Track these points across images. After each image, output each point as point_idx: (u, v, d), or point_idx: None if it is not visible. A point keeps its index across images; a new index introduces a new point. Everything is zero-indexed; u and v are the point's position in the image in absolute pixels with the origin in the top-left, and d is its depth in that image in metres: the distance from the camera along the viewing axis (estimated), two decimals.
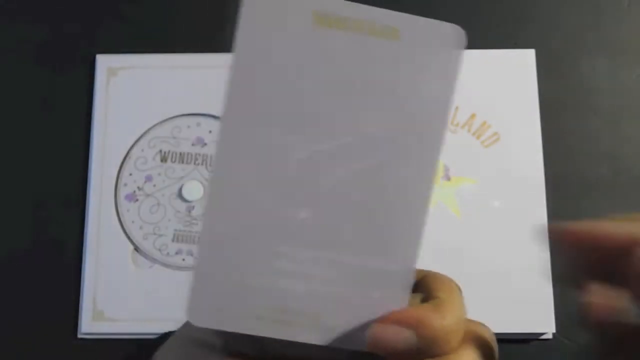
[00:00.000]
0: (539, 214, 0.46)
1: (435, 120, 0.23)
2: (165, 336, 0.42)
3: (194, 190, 0.47)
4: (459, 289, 0.25)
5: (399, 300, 0.23)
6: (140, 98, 0.48)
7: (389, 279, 0.23)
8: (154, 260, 0.46)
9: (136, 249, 0.46)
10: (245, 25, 0.22)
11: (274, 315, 0.23)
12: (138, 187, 0.47)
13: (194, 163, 0.48)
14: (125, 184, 0.47)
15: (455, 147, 0.47)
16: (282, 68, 0.22)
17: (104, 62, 0.49)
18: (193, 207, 0.47)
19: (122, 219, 0.47)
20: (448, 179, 0.47)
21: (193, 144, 0.48)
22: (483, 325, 0.25)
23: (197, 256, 0.23)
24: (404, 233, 0.23)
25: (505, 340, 0.44)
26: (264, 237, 0.23)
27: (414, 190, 0.23)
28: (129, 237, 0.46)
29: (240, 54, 0.22)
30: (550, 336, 0.44)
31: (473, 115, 0.48)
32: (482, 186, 0.46)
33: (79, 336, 0.45)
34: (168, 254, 0.46)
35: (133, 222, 0.47)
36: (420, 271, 0.25)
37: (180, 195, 0.47)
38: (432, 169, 0.23)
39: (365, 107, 0.22)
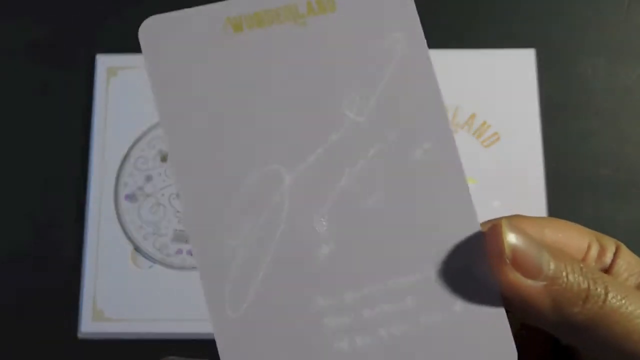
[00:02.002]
0: (539, 213, 0.46)
1: (419, 70, 0.19)
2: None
3: None
4: None
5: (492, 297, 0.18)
6: (140, 98, 0.48)
7: (464, 277, 0.18)
8: (154, 260, 0.46)
9: (136, 249, 0.46)
10: (157, 72, 0.18)
11: None
12: (138, 187, 0.47)
13: None
14: (125, 184, 0.47)
15: None
16: (219, 96, 0.18)
17: (104, 62, 0.49)
18: None
19: (122, 219, 0.47)
20: None
21: None
22: None
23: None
24: (449, 212, 0.18)
25: None
26: (295, 297, 0.17)
27: (440, 164, 0.18)
28: (129, 237, 0.46)
29: (166, 106, 0.18)
30: None
31: (473, 115, 0.48)
32: (482, 186, 0.46)
33: (79, 336, 0.45)
34: (168, 254, 0.46)
35: (133, 222, 0.47)
36: None
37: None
38: (445, 130, 0.18)
39: (333, 99, 0.18)
